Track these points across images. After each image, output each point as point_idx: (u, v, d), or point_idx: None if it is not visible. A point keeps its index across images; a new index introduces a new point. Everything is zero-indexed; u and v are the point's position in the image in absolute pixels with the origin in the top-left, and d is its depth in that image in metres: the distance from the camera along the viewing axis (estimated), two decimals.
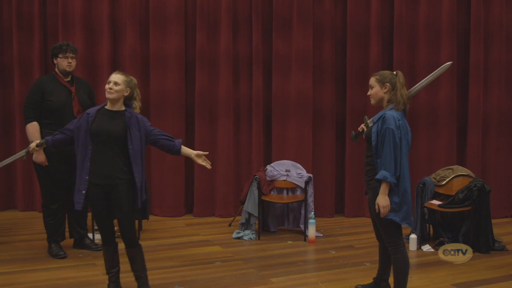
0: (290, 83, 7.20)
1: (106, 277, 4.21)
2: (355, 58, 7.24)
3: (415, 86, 4.37)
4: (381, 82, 3.90)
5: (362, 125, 4.33)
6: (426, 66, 7.33)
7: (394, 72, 3.96)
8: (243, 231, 6.18)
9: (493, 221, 5.86)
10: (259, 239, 6.10)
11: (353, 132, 4.50)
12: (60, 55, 5.19)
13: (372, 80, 3.94)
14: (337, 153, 7.36)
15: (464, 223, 5.77)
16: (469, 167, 6.56)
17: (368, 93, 3.99)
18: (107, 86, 3.97)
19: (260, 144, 7.17)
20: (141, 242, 5.28)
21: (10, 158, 4.74)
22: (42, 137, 5.11)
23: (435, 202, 5.90)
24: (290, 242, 6.04)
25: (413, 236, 5.73)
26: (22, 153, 4.40)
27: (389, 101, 3.90)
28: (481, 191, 5.67)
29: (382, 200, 3.73)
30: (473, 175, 6.01)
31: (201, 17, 7.08)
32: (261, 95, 7.20)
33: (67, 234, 5.50)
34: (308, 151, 7.15)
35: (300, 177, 6.37)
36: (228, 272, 4.91)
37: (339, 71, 7.39)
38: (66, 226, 5.48)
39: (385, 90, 3.90)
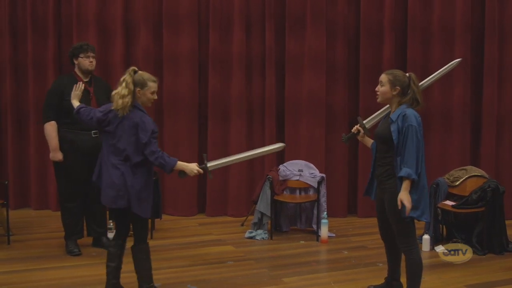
0: (302, 83, 7.19)
1: (122, 275, 4.23)
2: (368, 58, 7.21)
3: (422, 83, 4.34)
4: (393, 84, 3.87)
5: (357, 126, 4.29)
6: (440, 65, 7.19)
7: (407, 74, 3.92)
8: (256, 230, 6.18)
9: (507, 222, 5.80)
10: (271, 239, 6.11)
11: (344, 134, 4.43)
12: (82, 55, 5.25)
13: (384, 78, 3.91)
14: (350, 153, 7.34)
15: (478, 224, 5.73)
16: (483, 168, 6.52)
17: (376, 89, 3.96)
18: (154, 97, 3.99)
19: (272, 144, 7.16)
20: (153, 241, 5.34)
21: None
22: (59, 136, 5.18)
23: (449, 202, 5.86)
24: (303, 242, 6.04)
25: (426, 237, 5.70)
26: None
27: (400, 104, 3.88)
28: (495, 192, 5.63)
29: (406, 197, 3.69)
30: (487, 175, 5.97)
31: (214, 17, 7.10)
32: (274, 95, 7.20)
33: (85, 232, 5.56)
34: (320, 151, 7.14)
35: (313, 177, 6.36)
36: (240, 272, 4.92)
37: (352, 70, 7.37)
38: (85, 224, 5.56)
39: (394, 93, 3.88)
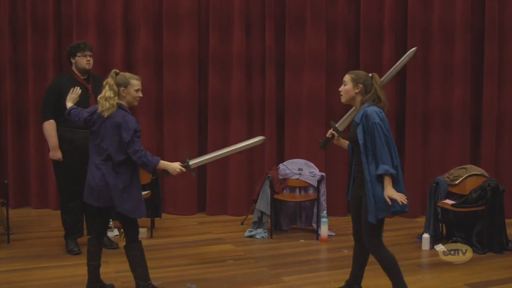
0: (302, 82, 7.20)
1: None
2: (368, 58, 7.22)
3: (383, 78, 4.34)
4: (355, 82, 3.88)
5: (331, 131, 4.30)
6: (440, 65, 7.30)
7: (370, 74, 3.93)
8: (256, 229, 6.19)
9: (506, 221, 5.79)
10: (271, 237, 6.11)
11: (320, 140, 4.44)
12: (79, 54, 5.25)
13: (347, 78, 3.93)
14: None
15: (478, 223, 5.72)
16: (482, 167, 6.51)
17: (340, 89, 3.98)
18: (139, 94, 4.01)
19: (272, 144, 7.18)
20: (153, 240, 5.34)
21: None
22: (58, 135, 5.18)
23: (449, 201, 5.86)
24: (302, 241, 6.04)
25: (426, 236, 5.70)
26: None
27: (363, 102, 3.87)
28: (495, 190, 5.63)
29: (392, 192, 3.63)
30: (486, 174, 5.97)
31: (214, 17, 7.11)
32: (274, 95, 7.20)
33: (85, 231, 5.55)
34: (320, 150, 7.12)
35: (312, 176, 6.37)
36: (240, 271, 4.92)
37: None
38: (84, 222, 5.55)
39: (357, 90, 3.88)
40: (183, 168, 4.09)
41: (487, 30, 7.27)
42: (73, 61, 5.30)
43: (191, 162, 4.23)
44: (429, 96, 7.34)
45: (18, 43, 7.24)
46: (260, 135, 4.79)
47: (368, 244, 3.88)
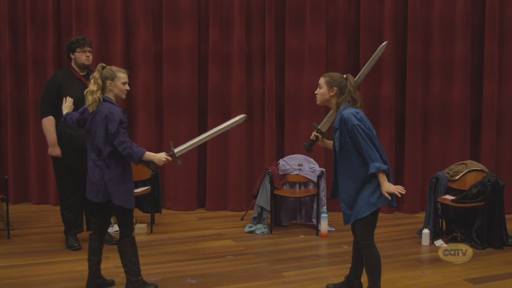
0: (302, 78, 7.19)
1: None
2: (368, 54, 7.16)
3: (357, 76, 4.34)
4: (330, 85, 3.91)
5: (314, 133, 4.31)
6: (440, 62, 7.28)
7: (344, 76, 3.95)
8: (256, 225, 6.19)
9: (506, 216, 5.80)
10: (271, 233, 6.12)
11: (305, 143, 4.45)
12: (78, 49, 5.23)
13: (322, 81, 3.95)
14: None
15: (478, 218, 5.73)
16: (482, 162, 6.51)
17: (316, 91, 4.00)
18: (126, 87, 4.02)
19: (272, 139, 7.17)
20: (153, 236, 5.33)
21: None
22: (58, 131, 5.17)
23: (448, 197, 5.87)
24: (302, 236, 6.04)
25: (425, 231, 5.71)
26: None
27: (338, 104, 3.90)
28: (495, 186, 5.63)
29: (389, 187, 3.68)
30: (486, 170, 5.97)
31: (214, 12, 7.09)
32: (274, 90, 7.20)
33: (84, 226, 5.55)
34: (320, 146, 7.11)
35: (312, 172, 6.37)
36: (240, 266, 4.92)
37: (352, 66, 7.35)
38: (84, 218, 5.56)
39: (332, 93, 3.90)
40: (169, 158, 4.10)
41: (487, 27, 7.26)
42: (72, 56, 5.29)
43: (176, 150, 4.24)
44: (429, 93, 7.33)
45: (18, 40, 7.22)
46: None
47: (360, 237, 3.89)
